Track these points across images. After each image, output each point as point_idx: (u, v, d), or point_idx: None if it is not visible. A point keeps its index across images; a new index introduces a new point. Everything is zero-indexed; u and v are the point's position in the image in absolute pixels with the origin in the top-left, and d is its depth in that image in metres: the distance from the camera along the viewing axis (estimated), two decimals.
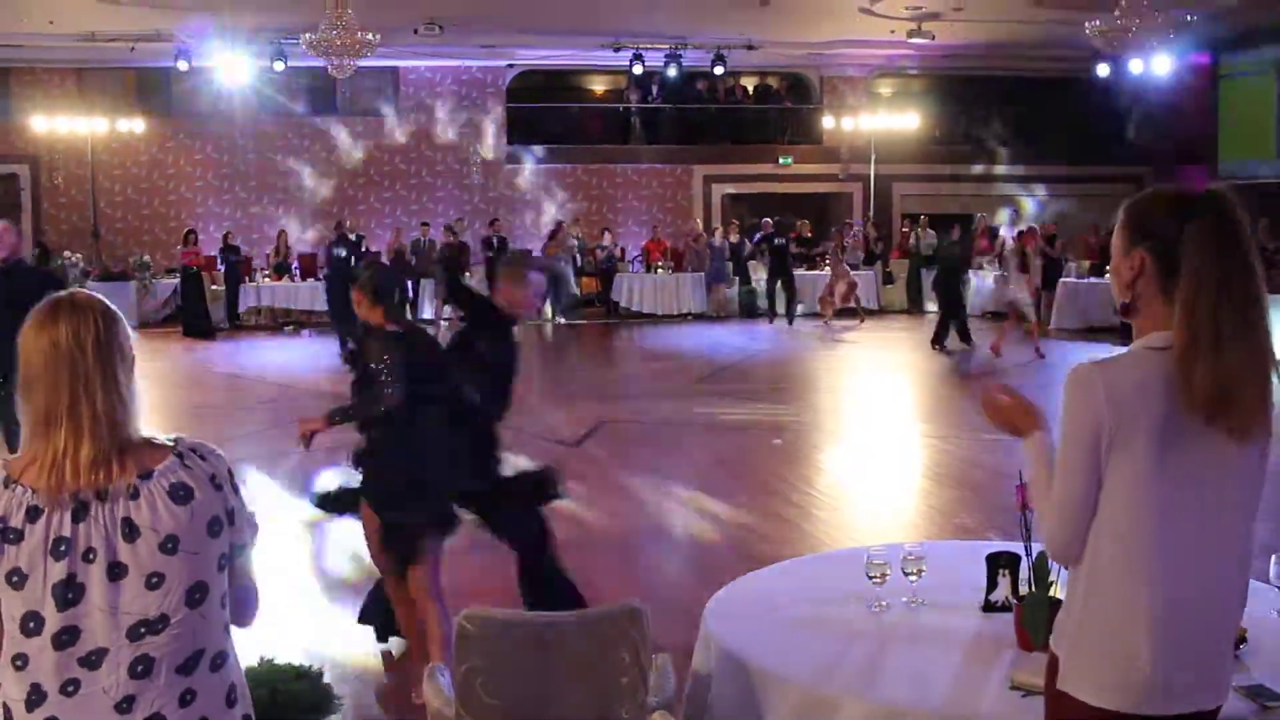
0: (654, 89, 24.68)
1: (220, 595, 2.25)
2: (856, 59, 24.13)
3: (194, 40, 19.68)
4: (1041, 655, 2.66)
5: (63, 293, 2.25)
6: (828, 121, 24.92)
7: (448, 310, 19.90)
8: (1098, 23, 16.13)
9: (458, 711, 3.32)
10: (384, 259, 19.10)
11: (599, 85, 26.36)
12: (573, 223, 22.80)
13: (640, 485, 8.99)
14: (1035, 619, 3.07)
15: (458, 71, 23.86)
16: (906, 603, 3.43)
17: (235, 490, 2.28)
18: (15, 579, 2.11)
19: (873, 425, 11.79)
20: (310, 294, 20.97)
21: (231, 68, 20.49)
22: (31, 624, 2.12)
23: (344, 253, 19.33)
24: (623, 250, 23.11)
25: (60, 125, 21.99)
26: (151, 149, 22.98)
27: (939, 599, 3.45)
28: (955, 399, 13.44)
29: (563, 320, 21.10)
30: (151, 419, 2.31)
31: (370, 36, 16.17)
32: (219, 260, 21.13)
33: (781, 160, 24.89)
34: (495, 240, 20.77)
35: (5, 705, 2.17)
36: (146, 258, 21.50)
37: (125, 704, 2.14)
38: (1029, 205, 24.40)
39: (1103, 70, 21.04)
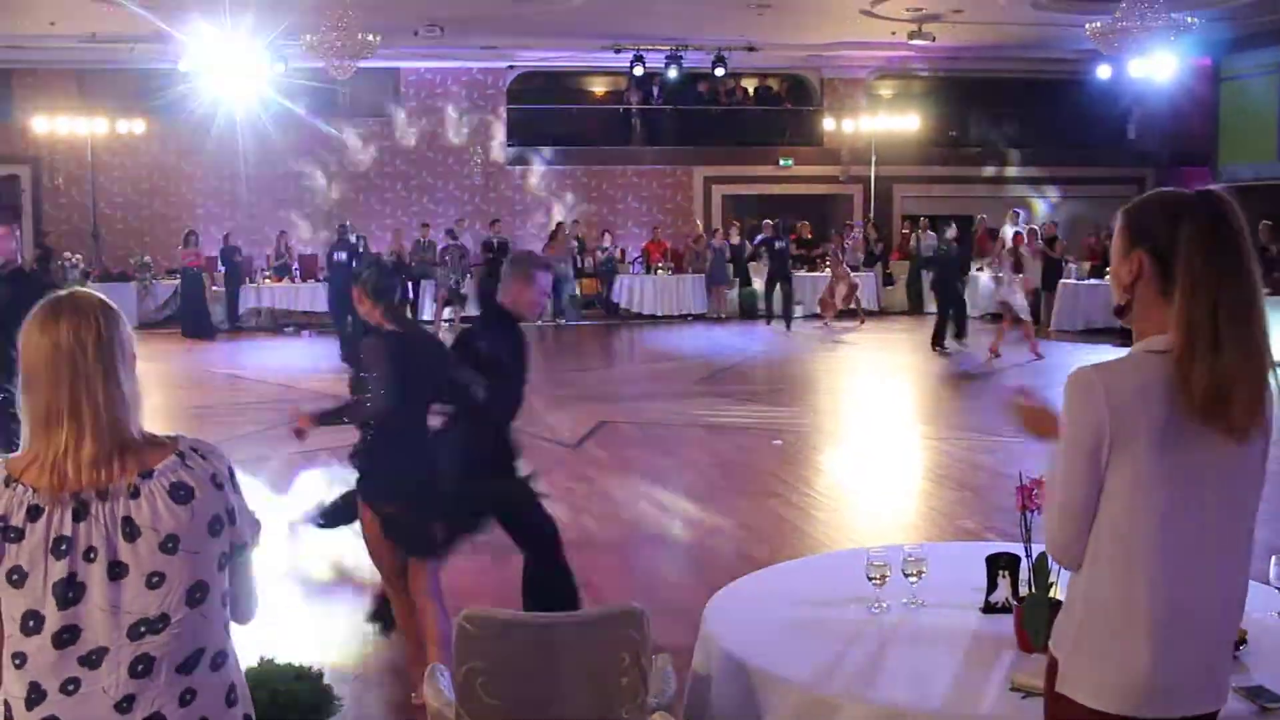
0: (655, 90, 24.69)
1: (221, 594, 2.25)
2: (857, 61, 24.14)
3: (194, 41, 19.68)
4: (1041, 657, 2.66)
5: (63, 291, 2.25)
6: (828, 123, 24.92)
7: (448, 312, 19.99)
8: (1098, 24, 16.13)
9: (458, 712, 3.32)
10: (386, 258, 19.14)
11: (600, 87, 26.37)
12: (573, 224, 22.80)
13: (640, 486, 8.98)
14: (1035, 620, 3.07)
15: (458, 73, 23.87)
16: (906, 604, 3.43)
17: (236, 489, 2.28)
18: (15, 577, 2.11)
19: (873, 427, 11.80)
20: (310, 295, 21.00)
21: (232, 69, 20.49)
22: (31, 622, 2.12)
23: (344, 256, 19.37)
24: (623, 251, 23.12)
25: (61, 126, 22.01)
26: (152, 150, 22.99)
27: (939, 600, 3.45)
28: (955, 400, 13.45)
29: (563, 321, 21.10)
30: (152, 420, 2.31)
31: (371, 38, 16.19)
32: (219, 261, 21.14)
33: (782, 162, 24.90)
34: (495, 242, 20.77)
35: (6, 703, 2.17)
36: (147, 259, 21.51)
37: (125, 703, 2.14)
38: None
39: (1103, 72, 21.05)
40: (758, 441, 10.80)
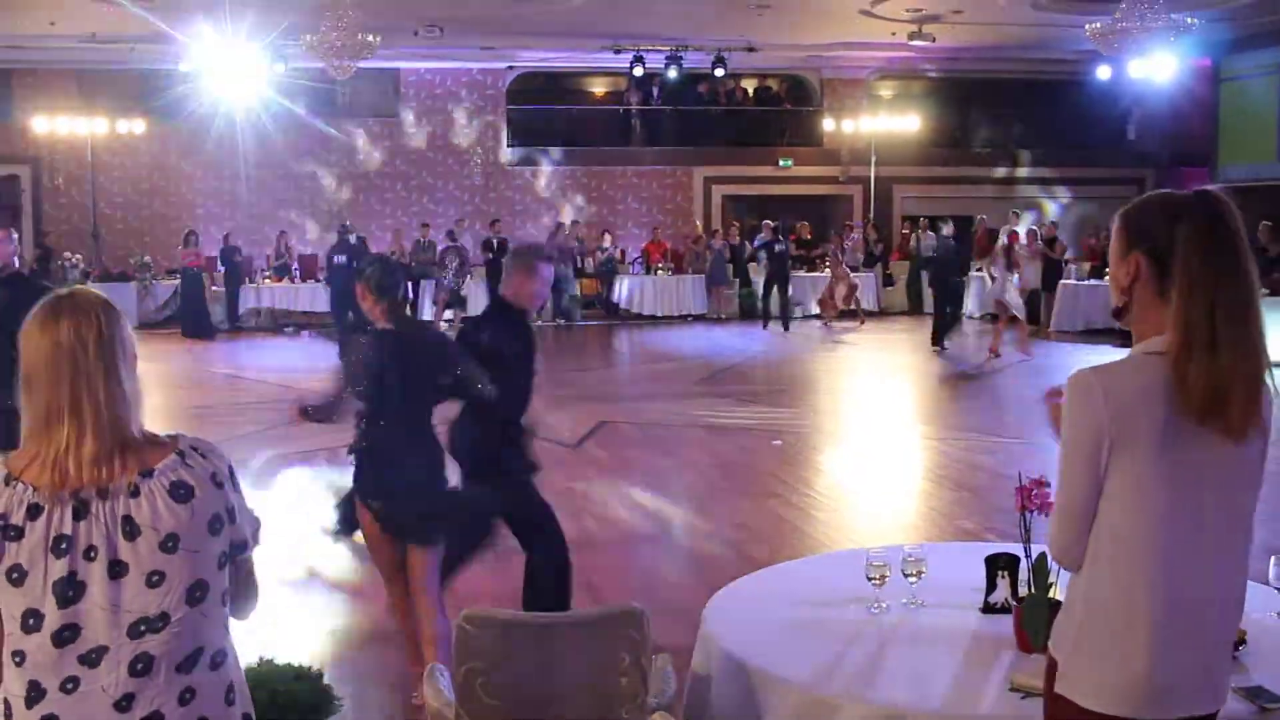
0: (654, 91, 24.70)
1: (221, 593, 2.25)
2: (857, 61, 24.15)
3: (194, 41, 19.68)
4: (1040, 657, 2.66)
5: (64, 290, 2.26)
6: (828, 124, 24.93)
7: (448, 314, 19.99)
8: (1098, 25, 16.14)
9: (457, 712, 3.32)
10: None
11: (599, 87, 26.38)
12: (573, 224, 22.80)
13: (640, 486, 8.99)
14: (1034, 620, 3.07)
15: (458, 73, 23.88)
16: (906, 604, 3.44)
17: (236, 488, 2.28)
18: (15, 576, 2.11)
19: (872, 427, 11.80)
20: (310, 295, 21.01)
21: (231, 69, 20.48)
22: (31, 621, 2.12)
23: (344, 258, 19.38)
24: (623, 252, 23.13)
25: (61, 126, 22.01)
26: (152, 150, 22.99)
27: (938, 601, 3.45)
28: (955, 401, 13.45)
29: (562, 322, 21.10)
30: (151, 420, 2.31)
31: (370, 38, 16.19)
32: (219, 261, 21.15)
33: (782, 162, 24.90)
34: (496, 242, 20.78)
35: (5, 701, 2.17)
36: (147, 259, 21.52)
37: (124, 702, 2.14)
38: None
39: (1103, 73, 21.05)
40: (757, 442, 10.80)
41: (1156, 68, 18.10)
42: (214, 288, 20.92)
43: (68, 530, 2.12)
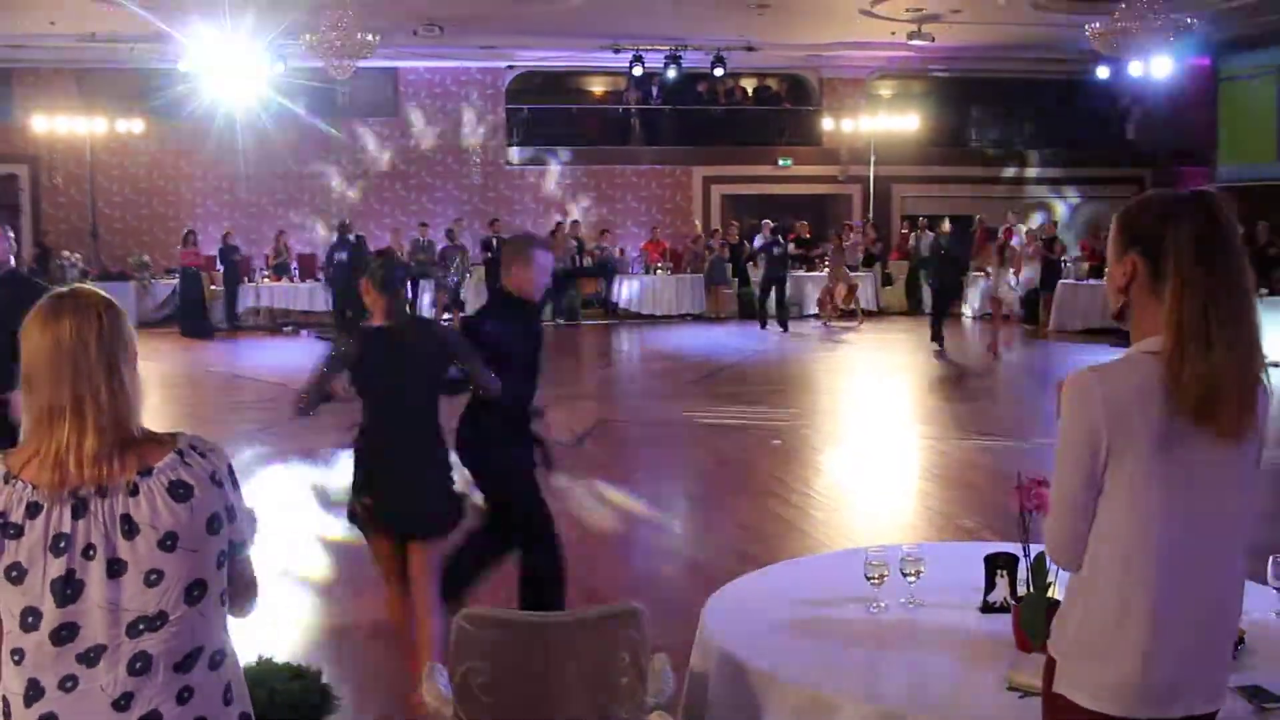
0: (654, 90, 24.70)
1: (219, 593, 2.25)
2: (856, 61, 24.15)
3: (194, 41, 19.68)
4: (1039, 656, 2.66)
5: (64, 289, 2.25)
6: (827, 123, 24.92)
7: (446, 316, 19.99)
8: (1097, 25, 16.14)
9: (456, 711, 3.32)
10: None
11: (598, 86, 26.38)
12: (572, 224, 22.79)
13: (639, 486, 8.99)
14: (1033, 620, 3.07)
15: (457, 73, 23.88)
16: (904, 604, 3.43)
17: (235, 487, 2.28)
18: (14, 574, 2.11)
19: (871, 427, 11.80)
20: (309, 295, 21.00)
21: (231, 68, 20.48)
22: (30, 619, 2.12)
23: (345, 254, 19.39)
24: (622, 251, 23.12)
25: (60, 125, 22.00)
26: (151, 149, 22.99)
27: (937, 600, 3.45)
28: (953, 400, 13.45)
29: (562, 321, 21.10)
30: (150, 419, 2.31)
31: (370, 38, 16.19)
32: (218, 261, 21.14)
33: (781, 162, 24.89)
34: (495, 241, 20.77)
35: (4, 699, 2.17)
36: (145, 258, 21.52)
37: (123, 701, 2.14)
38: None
39: (1102, 73, 21.06)
40: (756, 441, 10.80)
41: (1156, 68, 18.12)
42: (213, 287, 20.91)
43: (66, 529, 2.12)
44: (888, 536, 7.03)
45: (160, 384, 13.70)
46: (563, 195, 24.10)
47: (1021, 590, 3.32)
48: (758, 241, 21.36)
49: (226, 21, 17.78)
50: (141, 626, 2.14)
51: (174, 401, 12.87)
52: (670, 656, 3.55)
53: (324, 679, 4.84)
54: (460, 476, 5.03)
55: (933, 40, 20.35)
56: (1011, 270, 16.64)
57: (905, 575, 3.42)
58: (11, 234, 6.53)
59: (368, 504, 4.78)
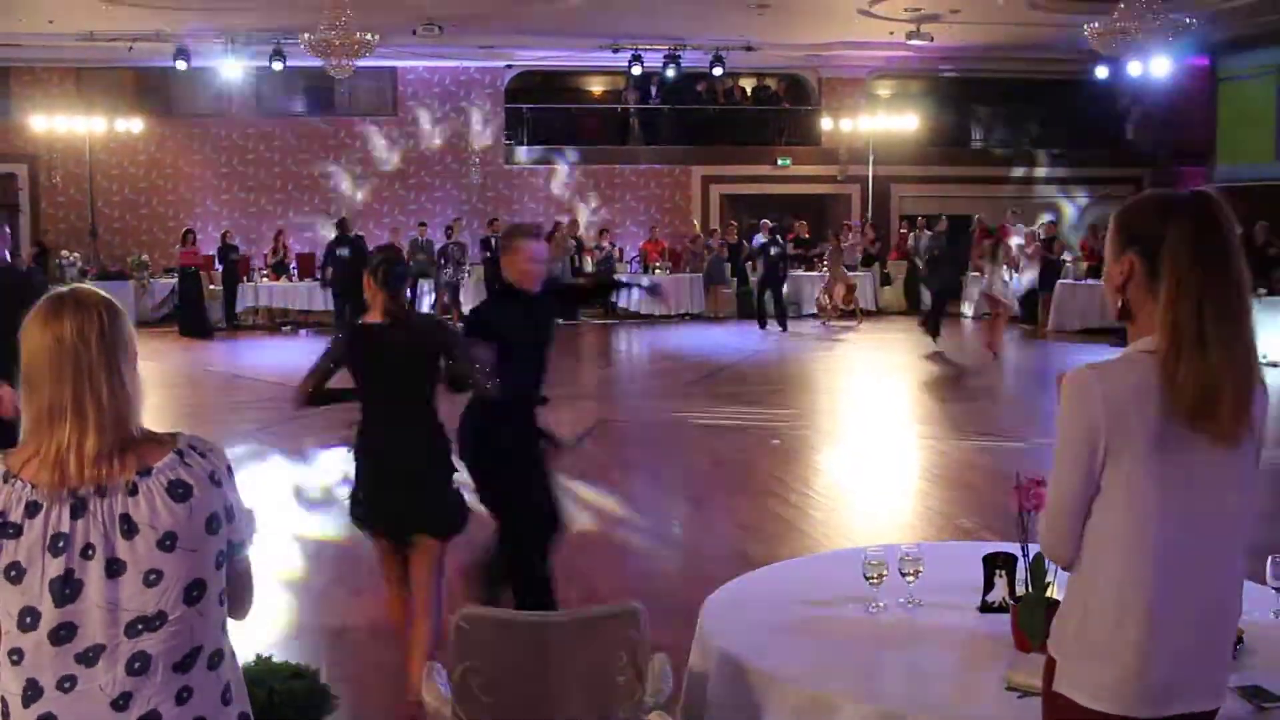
0: (652, 90, 24.70)
1: (218, 593, 2.25)
2: (855, 60, 24.15)
3: (193, 40, 19.69)
4: (1038, 656, 2.66)
5: (65, 289, 2.25)
6: (826, 123, 24.93)
7: (446, 316, 19.98)
8: (1096, 25, 16.15)
9: (455, 711, 3.32)
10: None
11: (597, 86, 26.38)
12: (570, 223, 22.79)
13: (638, 485, 8.99)
14: (1032, 620, 3.07)
15: (456, 72, 23.88)
16: (903, 604, 3.43)
17: (234, 487, 2.28)
18: (13, 574, 2.11)
19: (870, 427, 11.80)
20: (308, 294, 20.99)
21: (230, 68, 20.51)
22: (28, 619, 2.12)
23: (346, 250, 19.40)
24: (621, 251, 23.12)
25: (59, 124, 21.99)
26: (150, 149, 22.99)
27: (936, 600, 3.45)
28: (952, 400, 13.45)
29: (560, 320, 21.07)
30: (149, 419, 2.31)
31: (369, 37, 16.19)
32: (216, 260, 21.14)
33: (780, 161, 24.90)
34: (494, 240, 20.77)
35: (3, 699, 2.17)
36: (144, 257, 21.53)
37: (122, 701, 2.14)
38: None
39: (1101, 73, 21.07)
40: (755, 441, 10.80)
41: (1154, 68, 18.12)
42: (211, 286, 20.90)
43: (65, 528, 2.12)
44: (887, 536, 7.03)
45: (159, 383, 13.69)
46: (562, 195, 24.10)
47: (1020, 590, 3.32)
48: (756, 241, 21.36)
49: (225, 20, 17.79)
50: (140, 626, 2.14)
51: (173, 401, 12.87)
52: (669, 656, 3.55)
53: (323, 678, 4.84)
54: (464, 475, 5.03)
55: (931, 40, 20.36)
56: (1006, 267, 16.64)
57: (904, 575, 3.42)
58: (7, 231, 6.54)
59: (361, 501, 4.78)
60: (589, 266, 22.31)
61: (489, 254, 20.10)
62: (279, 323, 21.02)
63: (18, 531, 2.11)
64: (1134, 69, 18.78)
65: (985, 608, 3.41)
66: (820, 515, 8.23)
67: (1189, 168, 22.73)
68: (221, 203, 23.21)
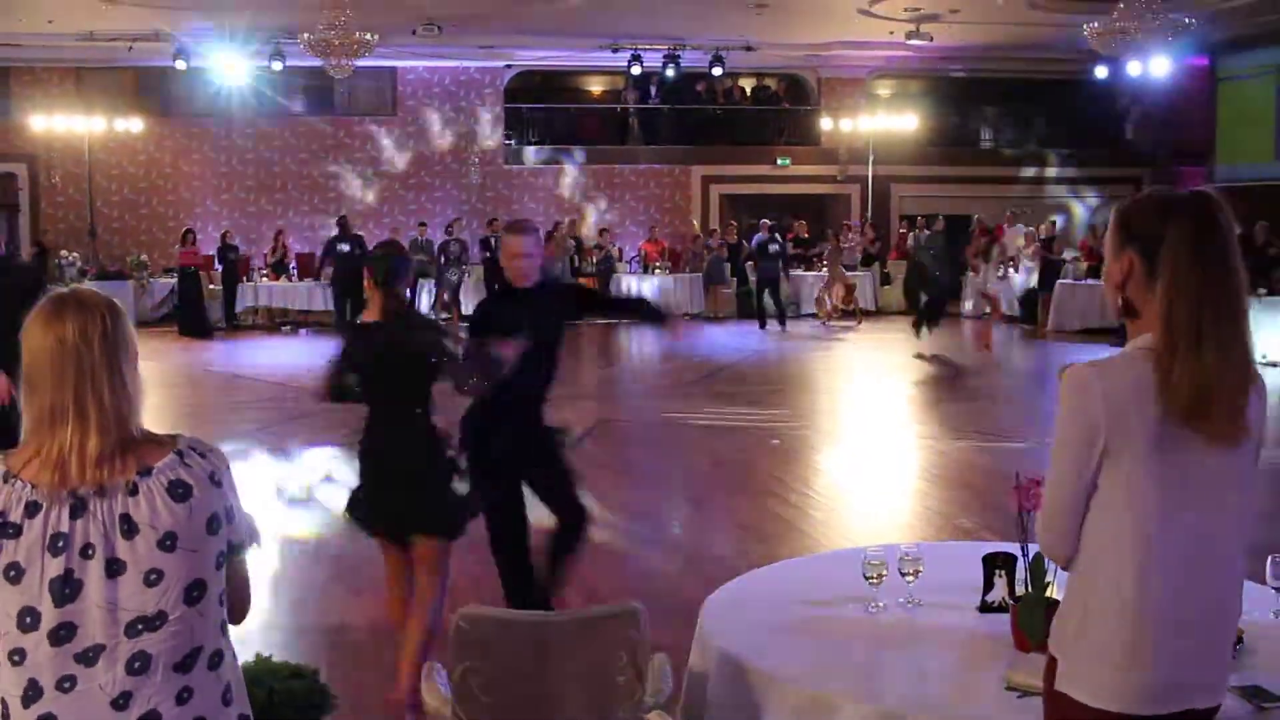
0: (652, 90, 24.69)
1: (218, 593, 2.25)
2: (854, 60, 24.14)
3: (192, 40, 19.68)
4: (1037, 656, 2.66)
5: (66, 289, 2.26)
6: (825, 123, 24.92)
7: (446, 315, 19.98)
8: (1095, 25, 16.15)
9: (455, 711, 3.32)
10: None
11: (597, 86, 26.38)
12: (570, 223, 22.78)
13: (637, 485, 8.99)
14: (1031, 620, 3.07)
15: (455, 72, 23.87)
16: (903, 603, 3.43)
17: (234, 489, 2.28)
18: (12, 574, 2.11)
19: (870, 427, 11.80)
20: (308, 293, 20.99)
21: (229, 67, 20.50)
22: (28, 619, 2.12)
23: (348, 246, 19.41)
24: (620, 250, 23.12)
25: (58, 124, 21.98)
26: (149, 148, 22.98)
27: (935, 600, 3.45)
28: (952, 400, 13.45)
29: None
30: (148, 419, 2.31)
31: (368, 37, 16.19)
32: (216, 260, 21.13)
33: (779, 161, 24.89)
34: (493, 240, 20.76)
35: (3, 700, 2.17)
36: (144, 257, 21.53)
37: (121, 700, 2.14)
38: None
39: (1100, 72, 21.07)
40: (755, 441, 10.80)
41: (1154, 67, 18.12)
42: (211, 286, 20.90)
43: (65, 528, 2.12)
44: (886, 536, 7.03)
45: (159, 383, 13.68)
46: (561, 195, 24.09)
47: (1020, 590, 3.32)
48: (756, 241, 21.35)
49: (224, 20, 17.78)
50: (140, 626, 2.14)
51: (173, 401, 12.86)
52: (669, 656, 3.55)
53: (322, 678, 4.83)
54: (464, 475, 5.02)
55: (931, 40, 20.35)
56: (1000, 265, 16.65)
57: (904, 575, 3.42)
58: (3, 225, 6.55)
59: (362, 501, 4.78)
60: (589, 267, 22.31)
61: (489, 254, 20.09)
62: (279, 323, 21.01)
63: (17, 531, 2.11)
64: (1134, 69, 18.77)
65: (985, 608, 3.42)
66: (820, 515, 8.23)
67: (1189, 168, 22.72)
68: (221, 202, 23.21)
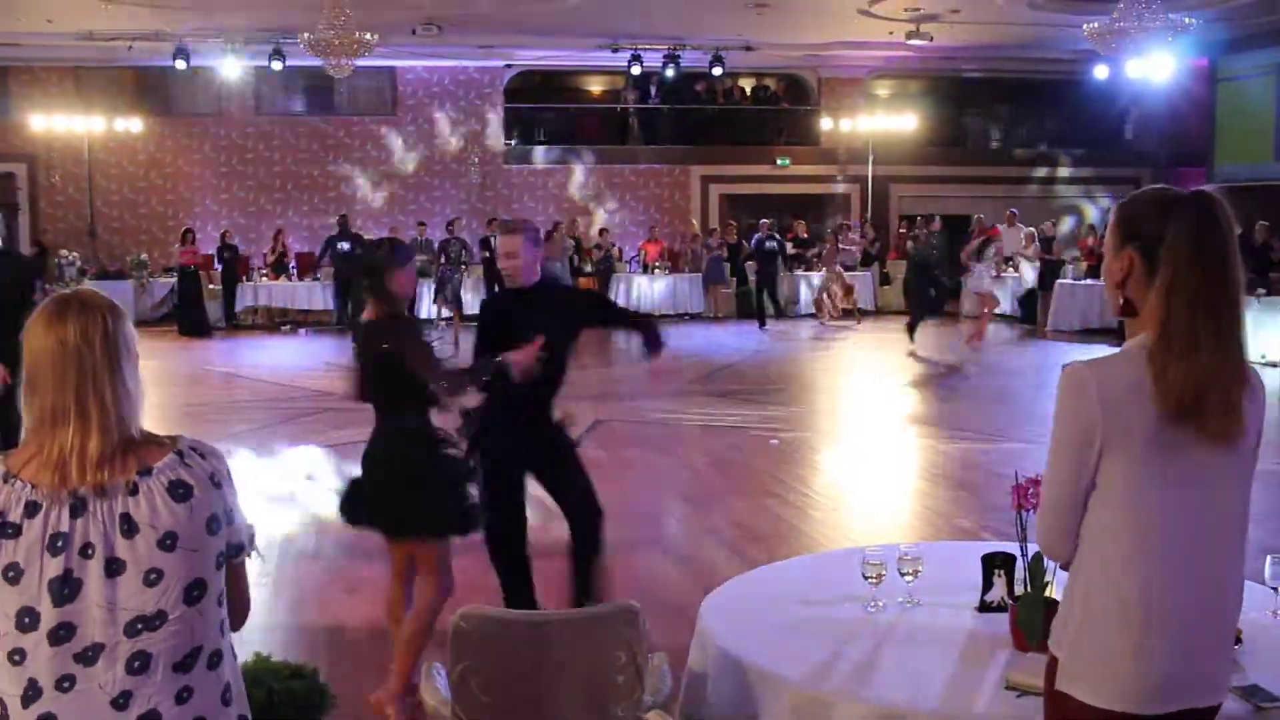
0: (652, 90, 24.70)
1: (218, 593, 2.25)
2: (854, 60, 24.15)
3: (192, 40, 19.68)
4: (1036, 655, 2.67)
5: (68, 290, 2.26)
6: (825, 123, 24.94)
7: (446, 315, 19.97)
8: (1095, 25, 16.14)
9: (454, 710, 3.32)
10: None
11: (597, 86, 26.38)
12: (569, 223, 22.77)
13: (637, 485, 8.98)
14: (1030, 619, 3.08)
15: (455, 72, 23.88)
16: (902, 603, 3.44)
17: (233, 490, 2.29)
18: (12, 574, 2.11)
19: (869, 426, 11.80)
20: (307, 293, 21.00)
21: (229, 67, 20.50)
22: (28, 619, 2.12)
23: (348, 244, 19.42)
24: (620, 250, 23.12)
25: (58, 124, 21.99)
26: (149, 148, 22.98)
27: (935, 599, 3.45)
28: (951, 400, 13.45)
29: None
30: (148, 418, 2.31)
31: (368, 37, 16.18)
32: (216, 259, 21.13)
33: (779, 161, 24.90)
34: (493, 240, 20.75)
35: (2, 700, 2.17)
36: (144, 256, 21.53)
37: (121, 700, 2.14)
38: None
39: (1100, 72, 21.06)
40: (754, 441, 10.80)
41: (1154, 68, 18.11)
42: (211, 285, 20.90)
43: (64, 528, 2.12)
44: (885, 536, 7.03)
45: (159, 383, 13.68)
46: (560, 194, 24.09)
47: (1019, 590, 3.32)
48: (755, 239, 21.38)
49: (224, 20, 17.77)
50: (140, 626, 2.14)
51: (172, 401, 12.86)
52: (668, 655, 3.55)
53: (322, 678, 4.84)
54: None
55: (931, 40, 20.34)
56: (993, 264, 16.66)
57: (903, 574, 3.43)
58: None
59: (362, 500, 4.78)
60: (588, 267, 22.32)
61: (488, 254, 20.09)
62: (278, 322, 21.01)
63: (17, 532, 2.11)
64: (1133, 69, 18.76)
65: (984, 607, 3.42)
66: (819, 515, 8.22)
67: (1188, 167, 22.72)
68: (221, 202, 23.21)
